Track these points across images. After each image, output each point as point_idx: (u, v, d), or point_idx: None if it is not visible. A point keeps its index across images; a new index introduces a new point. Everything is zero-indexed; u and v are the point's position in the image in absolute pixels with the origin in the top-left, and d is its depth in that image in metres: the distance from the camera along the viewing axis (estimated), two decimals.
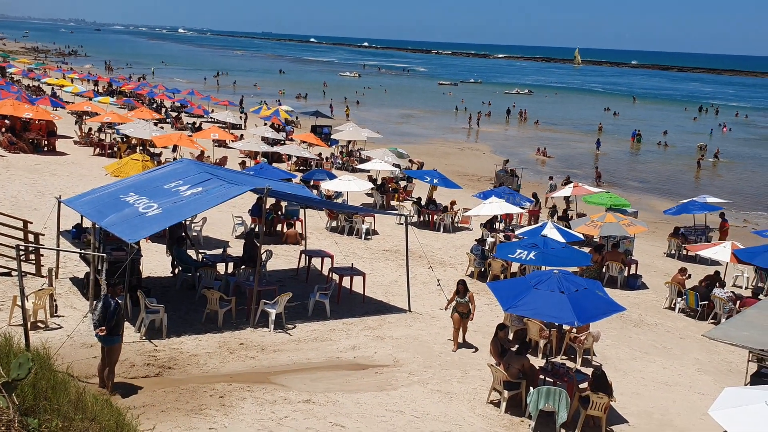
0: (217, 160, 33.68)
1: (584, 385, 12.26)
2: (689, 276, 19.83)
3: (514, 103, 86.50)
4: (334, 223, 24.68)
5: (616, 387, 12.22)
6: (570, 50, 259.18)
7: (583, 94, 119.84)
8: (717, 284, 19.18)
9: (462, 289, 14.78)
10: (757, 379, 12.77)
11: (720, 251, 20.59)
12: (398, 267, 20.02)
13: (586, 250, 22.08)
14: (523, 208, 26.85)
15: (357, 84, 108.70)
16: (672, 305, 19.34)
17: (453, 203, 27.45)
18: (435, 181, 27.97)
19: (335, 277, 17.52)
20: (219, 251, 18.70)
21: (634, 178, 44.24)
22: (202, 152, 33.82)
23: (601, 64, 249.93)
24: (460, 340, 14.85)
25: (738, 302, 18.29)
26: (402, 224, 22.17)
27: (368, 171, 33.80)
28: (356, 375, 13.10)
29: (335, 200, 27.28)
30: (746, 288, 21.86)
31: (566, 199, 31.35)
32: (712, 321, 18.10)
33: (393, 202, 29.85)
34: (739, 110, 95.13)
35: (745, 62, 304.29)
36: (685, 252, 25.49)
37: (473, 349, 14.74)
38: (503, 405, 12.16)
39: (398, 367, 13.59)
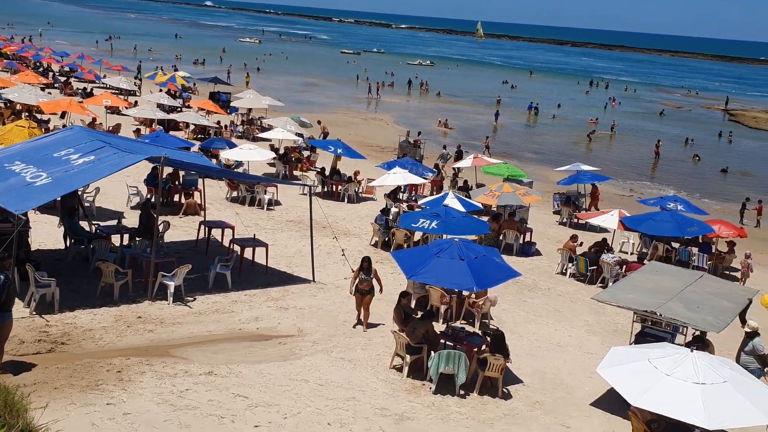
0: (110, 128, 32.18)
1: (483, 347, 12.72)
2: (580, 243, 20.84)
3: (416, 74, 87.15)
4: (234, 194, 24.21)
5: (512, 349, 12.76)
6: (472, 23, 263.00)
7: (483, 66, 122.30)
8: (605, 250, 20.26)
9: (366, 266, 14.28)
10: (640, 338, 13.63)
11: (608, 219, 21.78)
12: (302, 238, 19.94)
13: (485, 218, 22.77)
14: (425, 179, 27.29)
15: (257, 50, 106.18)
16: (564, 270, 20.31)
17: (357, 173, 27.52)
18: (339, 151, 27.91)
19: (236, 248, 17.24)
20: (113, 222, 17.96)
21: (530, 150, 45.80)
22: (94, 119, 32.19)
23: (501, 37, 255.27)
24: (362, 317, 14.44)
25: (624, 267, 19.41)
26: (305, 194, 22.04)
27: (270, 140, 33.27)
28: (259, 346, 13.02)
29: (235, 170, 26.72)
30: (632, 253, 23.23)
31: (456, 169, 31.95)
32: (601, 285, 19.14)
33: (296, 172, 29.58)
34: (628, 85, 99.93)
35: (634, 39, 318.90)
36: (576, 220, 26.74)
37: (377, 325, 14.94)
38: (405, 369, 12.45)
39: (302, 337, 13.61)
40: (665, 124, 63.38)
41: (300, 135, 34.84)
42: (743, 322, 14.44)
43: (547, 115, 63.23)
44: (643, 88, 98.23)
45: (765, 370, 13.02)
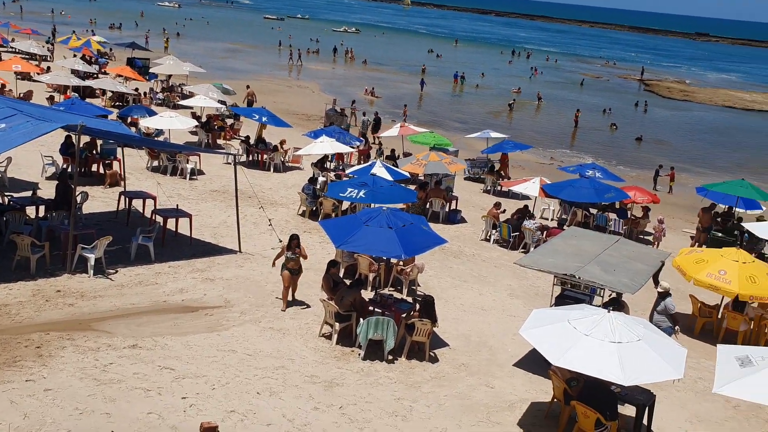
0: (21, 95, 30.55)
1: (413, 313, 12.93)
2: (503, 210, 21.34)
3: (342, 41, 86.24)
4: (155, 163, 23.51)
5: (438, 314, 13.01)
6: None
7: (409, 35, 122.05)
8: (527, 217, 20.82)
9: (294, 244, 13.70)
10: (560, 300, 14.14)
11: (530, 186, 22.34)
12: (227, 208, 19.62)
13: (412, 187, 22.96)
14: (353, 148, 27.21)
15: (177, 15, 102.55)
16: (488, 237, 20.78)
17: (283, 142, 27.16)
18: (264, 119, 27.45)
19: (159, 219, 16.81)
20: (28, 193, 17.17)
21: (456, 119, 46.27)
22: (3, 85, 30.48)
23: (428, 6, 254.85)
24: (289, 298, 13.97)
25: (545, 232, 20.01)
26: (230, 164, 21.61)
27: (192, 108, 32.36)
28: (185, 318, 12.82)
29: (156, 138, 25.92)
30: (552, 219, 23.97)
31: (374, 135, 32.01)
32: (523, 250, 19.70)
33: (219, 141, 28.95)
34: (549, 55, 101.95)
35: (555, 9, 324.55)
36: (499, 188, 27.33)
37: (304, 306, 14.93)
38: (335, 337, 12.54)
39: (229, 308, 13.48)
40: (585, 94, 65.16)
41: (223, 102, 34.04)
42: (656, 283, 15.21)
43: (471, 84, 63.93)
44: (564, 59, 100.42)
45: (676, 328, 13.77)
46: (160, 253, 15.46)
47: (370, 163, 22.72)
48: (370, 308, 13.14)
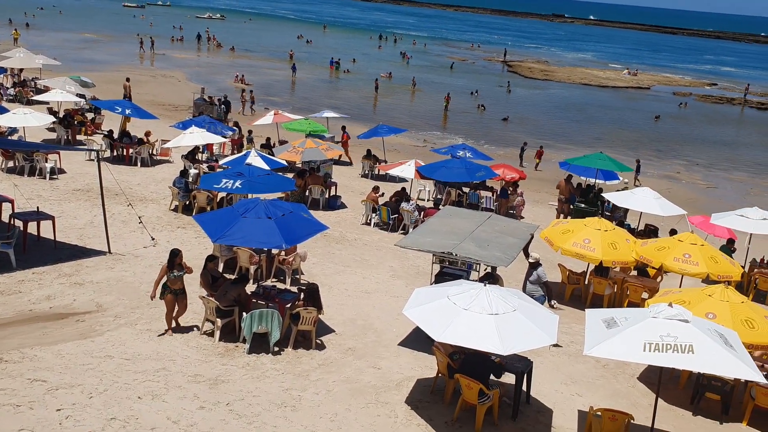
0: None
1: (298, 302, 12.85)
2: (382, 194, 21.60)
3: (207, 27, 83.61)
4: (10, 163, 21.86)
5: (323, 300, 13.01)
6: None
7: (276, 20, 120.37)
8: (404, 199, 21.21)
9: (177, 261, 12.31)
10: (440, 277, 14.52)
11: (406, 169, 22.76)
12: (93, 207, 18.60)
13: (290, 175, 22.74)
14: (225, 137, 26.53)
15: (26, 4, 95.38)
16: (368, 221, 20.99)
17: (149, 134, 26.04)
18: (127, 111, 26.16)
19: (18, 223, 15.66)
20: None
21: (330, 105, 46.13)
22: None
23: None
24: (175, 323, 12.58)
25: (422, 213, 20.46)
26: (93, 160, 20.48)
27: (47, 103, 30.31)
28: (55, 326, 12.07)
29: (9, 137, 24.06)
30: (428, 200, 24.53)
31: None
32: (402, 232, 20.06)
33: (80, 137, 27.32)
34: (416, 39, 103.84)
35: None
36: (377, 171, 27.61)
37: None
38: (217, 334, 12.24)
39: (102, 312, 12.82)
40: (454, 77, 66.95)
41: (82, 96, 32.11)
42: (527, 255, 15.94)
43: (342, 69, 64.05)
44: (432, 43, 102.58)
45: (553, 302, 14.51)
46: (22, 260, 14.44)
47: (244, 152, 22.25)
48: (254, 301, 12.93)
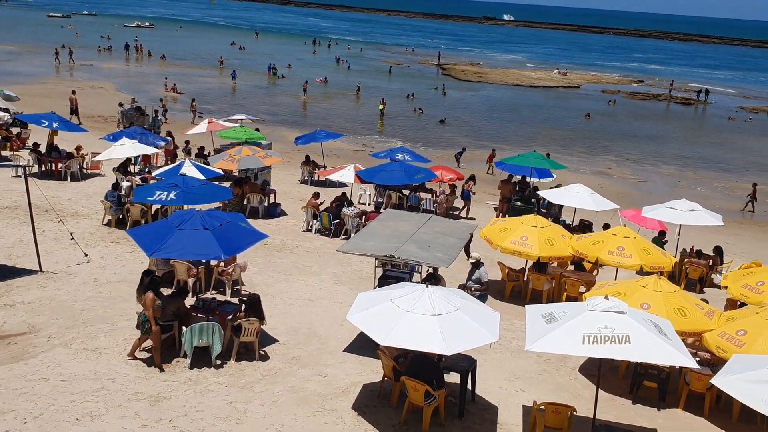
0: None
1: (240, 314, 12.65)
2: (323, 201, 21.46)
3: (136, 36, 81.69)
4: None
5: (266, 309, 12.84)
6: None
7: (208, 27, 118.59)
8: (345, 204, 21.15)
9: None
10: (383, 281, 14.55)
11: (345, 174, 22.74)
12: (21, 225, 17.90)
13: (227, 184, 22.41)
14: (158, 148, 25.95)
15: None
16: (309, 227, 20.85)
17: (79, 148, 25.24)
18: (54, 125, 25.26)
19: None
20: None
21: (266, 111, 45.78)
22: None
23: None
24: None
25: (364, 217, 20.47)
26: (20, 176, 19.70)
27: None
28: None
29: None
30: (369, 204, 24.56)
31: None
32: (344, 237, 20.00)
33: (5, 152, 26.26)
34: (352, 44, 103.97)
35: (367, 0, 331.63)
36: (317, 177, 27.49)
37: (119, 300, 14.05)
38: None
39: (35, 333, 12.34)
40: (390, 81, 67.29)
41: (5, 110, 30.90)
42: (467, 254, 16.14)
43: (279, 75, 63.62)
44: (367, 47, 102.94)
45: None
46: None
47: (178, 162, 21.80)
48: (193, 314, 12.66)
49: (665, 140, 46.42)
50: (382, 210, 21.09)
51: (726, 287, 15.13)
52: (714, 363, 11.80)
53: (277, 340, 13.05)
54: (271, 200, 22.95)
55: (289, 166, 29.75)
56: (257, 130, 30.69)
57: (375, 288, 14.11)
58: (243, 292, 14.94)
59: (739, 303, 14.95)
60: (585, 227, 21.60)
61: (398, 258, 13.37)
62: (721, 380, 9.60)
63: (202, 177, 19.09)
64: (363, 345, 12.73)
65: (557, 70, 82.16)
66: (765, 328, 11.43)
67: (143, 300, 12.32)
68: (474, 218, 24.49)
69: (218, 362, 11.85)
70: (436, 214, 22.79)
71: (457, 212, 24.66)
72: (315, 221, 20.77)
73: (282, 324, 13.75)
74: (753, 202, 29.90)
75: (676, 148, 43.83)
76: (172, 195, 16.12)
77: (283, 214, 22.39)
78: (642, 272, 15.67)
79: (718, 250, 19.90)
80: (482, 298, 14.53)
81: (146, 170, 24.72)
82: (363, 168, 23.37)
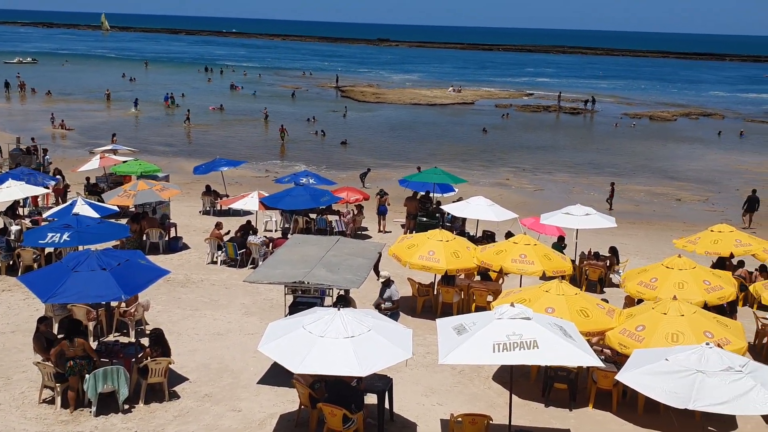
0: None
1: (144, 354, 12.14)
2: (228, 231, 21.02)
3: (18, 73, 77.76)
4: None
5: (173, 347, 12.43)
6: (96, 15, 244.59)
7: (95, 60, 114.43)
8: (251, 232, 20.82)
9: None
10: (294, 308, 14.35)
11: (249, 201, 22.42)
12: None
13: (124, 221, 21.60)
14: (47, 188, 24.68)
15: None
16: (214, 259, 20.35)
17: None
18: None
19: None
20: None
21: (162, 143, 44.59)
22: None
23: (129, 30, 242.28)
24: None
25: (271, 244, 20.19)
26: None
27: None
28: None
29: None
30: (276, 230, 24.27)
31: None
32: (252, 266, 19.64)
33: None
34: (249, 70, 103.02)
35: (247, 25, 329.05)
36: (219, 207, 26.94)
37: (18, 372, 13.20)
38: (58, 400, 11.28)
39: None
40: (293, 106, 67.02)
41: None
42: (377, 273, 16.22)
43: (177, 104, 62.19)
44: (265, 72, 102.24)
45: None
46: None
47: (70, 201, 20.82)
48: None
49: (557, 149, 48.48)
50: (289, 236, 20.88)
51: (624, 286, 15.91)
52: (618, 360, 12.32)
53: (187, 378, 12.62)
54: (172, 234, 22.26)
55: (189, 198, 29.02)
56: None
57: (286, 316, 13.90)
58: (147, 332, 14.37)
59: (636, 300, 15.74)
60: (488, 237, 22.20)
61: (308, 283, 13.27)
62: (624, 376, 10.05)
63: (96, 215, 18.36)
64: (277, 375, 12.48)
65: (452, 87, 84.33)
66: (661, 321, 12.08)
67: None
68: (390, 231, 24.78)
69: (126, 407, 11.33)
70: (345, 235, 22.86)
71: (365, 232, 24.76)
72: (220, 252, 20.29)
73: (191, 361, 13.31)
74: (610, 201, 31.41)
75: (568, 155, 45.84)
76: (65, 236, 15.39)
77: (185, 247, 21.75)
78: (544, 277, 16.24)
79: (614, 251, 20.89)
80: (394, 316, 14.63)
81: (36, 212, 23.47)
82: (267, 194, 23.09)
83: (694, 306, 12.84)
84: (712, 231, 19.96)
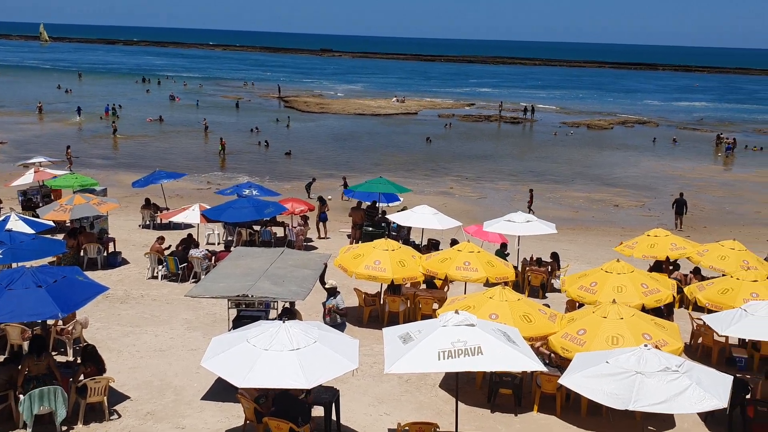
0: None
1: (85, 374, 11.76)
2: (169, 246, 20.59)
3: None
4: None
5: (113, 365, 12.12)
6: (33, 26, 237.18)
7: (26, 71, 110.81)
8: (192, 245, 20.45)
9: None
10: (238, 322, 14.11)
11: (190, 214, 22.01)
12: None
13: (60, 236, 20.94)
14: None
15: None
16: (155, 274, 19.90)
17: None
18: None
19: None
20: None
21: (99, 156, 43.50)
22: None
23: (68, 40, 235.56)
24: None
25: (213, 258, 19.87)
26: None
27: None
28: None
29: None
30: (219, 243, 23.91)
31: None
32: (194, 280, 19.28)
33: None
34: (189, 80, 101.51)
35: (187, 35, 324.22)
36: (159, 221, 26.39)
37: None
38: None
39: None
40: (232, 116, 66.24)
41: None
42: (323, 283, 16.12)
43: (114, 117, 60.72)
44: (206, 83, 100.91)
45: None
46: None
47: (3, 217, 20.07)
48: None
49: (499, 158, 49.31)
50: (232, 248, 20.58)
51: (565, 291, 16.25)
52: (561, 364, 12.55)
53: (128, 397, 12.28)
54: (111, 249, 21.67)
55: (128, 212, 28.34)
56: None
57: (230, 330, 13.69)
58: (78, 347, 13.93)
59: (577, 304, 16.09)
60: (433, 246, 22.37)
61: (252, 296, 13.09)
62: (567, 379, 10.24)
63: (31, 231, 17.74)
64: (221, 390, 12.26)
65: (395, 98, 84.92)
66: (601, 324, 12.37)
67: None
68: (330, 237, 24.72)
69: (64, 428, 10.93)
70: (294, 246, 22.74)
71: (311, 243, 24.63)
72: (161, 267, 19.85)
73: (132, 379, 12.96)
74: (530, 206, 32.18)
75: (509, 164, 46.68)
76: None
77: (125, 262, 21.21)
78: (488, 284, 16.45)
79: (555, 256, 21.32)
80: (341, 327, 14.57)
81: None
82: (209, 207, 22.73)
83: (633, 309, 13.20)
84: (648, 235, 20.63)
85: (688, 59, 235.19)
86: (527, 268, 20.65)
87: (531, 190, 33.09)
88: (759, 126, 72.44)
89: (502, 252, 20.50)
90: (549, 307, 14.19)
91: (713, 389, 9.58)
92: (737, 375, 12.35)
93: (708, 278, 18.64)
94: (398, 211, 23.92)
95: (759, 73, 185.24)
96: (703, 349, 15.64)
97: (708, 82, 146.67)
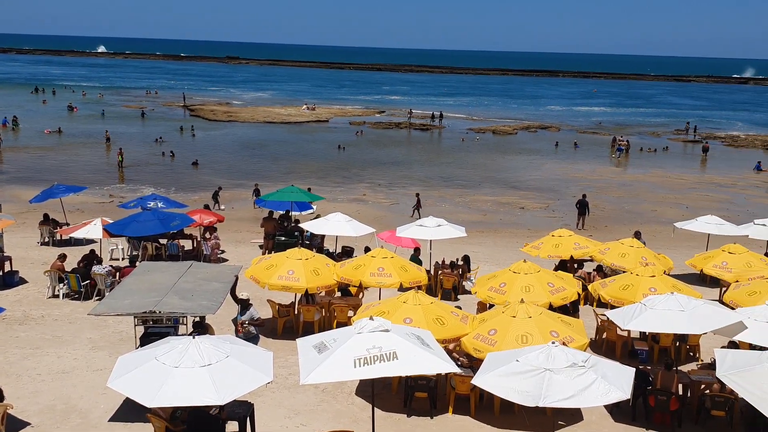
0: None
1: None
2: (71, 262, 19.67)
3: None
4: None
5: (12, 391, 11.42)
6: None
7: None
8: (95, 262, 19.62)
9: None
10: (145, 339, 13.63)
11: (92, 229, 21.12)
12: None
13: None
14: None
15: None
16: (56, 293, 18.95)
17: None
18: None
19: None
20: None
21: None
22: None
23: None
24: None
25: (118, 273, 19.11)
26: None
27: None
28: None
29: None
30: (123, 258, 23.02)
31: None
32: (98, 298, 18.48)
33: None
34: (88, 90, 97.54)
35: (79, 43, 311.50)
36: (59, 237, 25.17)
37: None
38: None
39: None
40: (135, 127, 64.07)
41: None
42: (235, 297, 15.81)
43: (7, 130, 57.51)
44: (107, 92, 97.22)
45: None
46: None
47: None
48: None
49: (410, 164, 49.89)
50: (138, 263, 19.88)
51: (476, 292, 16.59)
52: (474, 364, 12.79)
53: (29, 423, 11.62)
54: (6, 268, 20.48)
55: (25, 228, 26.87)
56: None
57: (137, 348, 13.20)
58: None
59: (488, 305, 16.46)
60: (347, 253, 22.37)
61: (160, 312, 12.68)
62: (479, 379, 10.45)
63: None
64: (130, 411, 11.79)
65: (305, 105, 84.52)
66: (511, 324, 12.70)
67: None
68: (225, 251, 24.30)
69: None
70: (210, 259, 22.24)
71: (222, 255, 24.11)
72: (62, 285, 18.92)
73: (33, 404, 12.26)
74: (418, 210, 32.81)
75: (420, 170, 47.30)
76: None
77: (22, 282, 20.08)
78: (402, 289, 16.59)
79: (466, 259, 21.76)
80: (255, 339, 14.32)
81: None
82: (111, 221, 21.87)
83: (540, 307, 13.63)
84: (553, 236, 21.39)
85: (587, 66, 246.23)
86: (439, 272, 20.97)
87: (417, 194, 33.84)
88: (654, 129, 76.55)
89: (416, 257, 20.73)
90: (461, 309, 14.44)
91: (617, 382, 10.00)
92: (639, 367, 12.96)
93: (610, 275, 19.50)
94: (312, 220, 23.79)
95: (654, 78, 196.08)
96: (608, 343, 16.33)
97: (607, 87, 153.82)
